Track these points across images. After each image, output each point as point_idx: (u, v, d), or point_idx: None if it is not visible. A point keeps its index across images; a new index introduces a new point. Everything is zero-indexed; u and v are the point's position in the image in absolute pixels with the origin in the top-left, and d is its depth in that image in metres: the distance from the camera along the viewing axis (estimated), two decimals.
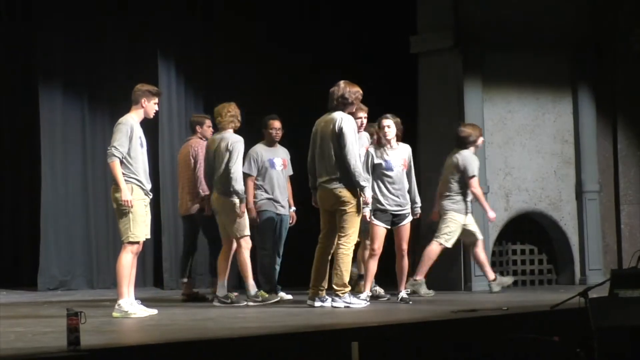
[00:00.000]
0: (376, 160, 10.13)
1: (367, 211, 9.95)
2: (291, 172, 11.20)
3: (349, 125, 9.53)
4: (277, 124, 11.20)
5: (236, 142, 10.26)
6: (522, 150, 12.19)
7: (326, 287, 9.71)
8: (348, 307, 9.49)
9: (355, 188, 9.48)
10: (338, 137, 9.52)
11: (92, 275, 13.29)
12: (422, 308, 9.62)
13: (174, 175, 13.18)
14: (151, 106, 9.39)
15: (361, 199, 9.49)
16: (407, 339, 7.67)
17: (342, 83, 9.72)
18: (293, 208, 11.20)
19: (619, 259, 12.40)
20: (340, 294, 9.56)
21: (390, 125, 10.16)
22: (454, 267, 11.76)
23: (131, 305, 9.13)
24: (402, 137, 10.30)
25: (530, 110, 12.25)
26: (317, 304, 9.61)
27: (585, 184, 12.36)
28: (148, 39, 13.49)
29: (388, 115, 10.26)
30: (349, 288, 9.68)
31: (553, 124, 12.38)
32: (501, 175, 12.07)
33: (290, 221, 11.23)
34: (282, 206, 11.04)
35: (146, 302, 10.58)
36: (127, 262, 9.23)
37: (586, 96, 12.45)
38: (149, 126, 13.24)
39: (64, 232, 13.19)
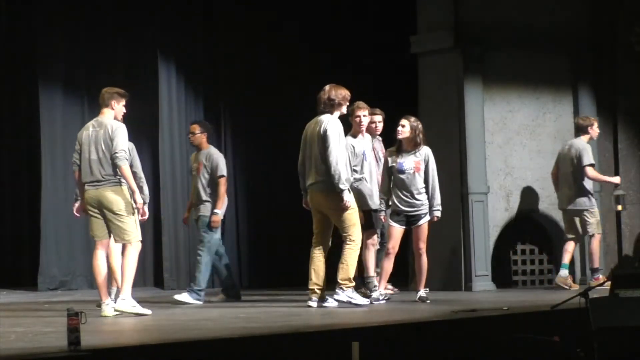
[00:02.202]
0: (390, 163, 10.15)
1: (381, 214, 10.21)
2: (220, 174, 10.80)
3: (333, 127, 9.57)
4: (192, 128, 11.11)
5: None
6: (523, 150, 12.19)
7: (324, 287, 9.71)
8: (350, 301, 9.53)
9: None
10: (323, 139, 9.55)
11: (92, 275, 13.26)
12: (422, 308, 9.63)
13: (174, 175, 13.20)
14: (120, 108, 9.42)
15: (344, 202, 9.50)
16: (407, 339, 7.67)
17: (327, 87, 9.78)
18: (216, 211, 10.79)
19: (619, 259, 12.39)
20: (345, 287, 9.60)
21: (404, 125, 10.16)
22: (454, 267, 11.76)
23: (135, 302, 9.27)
24: (421, 141, 10.19)
25: (531, 110, 12.25)
26: (317, 304, 9.62)
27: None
28: (148, 39, 13.50)
29: (411, 117, 10.24)
30: (354, 283, 9.73)
31: (553, 123, 12.39)
32: (502, 175, 12.07)
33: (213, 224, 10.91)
34: (195, 209, 10.96)
35: (146, 302, 10.60)
36: (136, 260, 9.36)
37: (586, 96, 12.46)
38: (149, 126, 13.30)
39: (64, 232, 13.19)
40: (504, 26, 12.00)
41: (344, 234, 9.61)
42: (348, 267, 9.59)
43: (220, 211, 10.79)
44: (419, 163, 10.09)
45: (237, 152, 13.55)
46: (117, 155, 9.11)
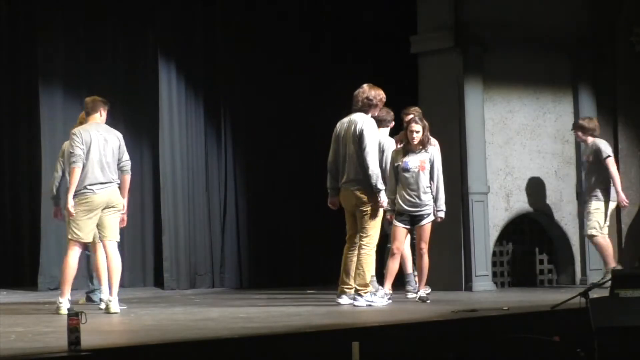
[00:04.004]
0: (396, 162, 10.17)
1: (387, 213, 10.09)
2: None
3: (370, 127, 9.65)
4: None
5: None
6: (523, 150, 12.19)
7: (354, 286, 9.74)
8: (370, 305, 9.58)
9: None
10: (359, 139, 9.59)
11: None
12: (422, 308, 9.63)
13: (174, 175, 13.19)
14: (105, 116, 9.94)
15: (381, 201, 9.59)
16: (407, 339, 7.68)
17: (365, 86, 9.82)
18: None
19: (619, 259, 12.40)
20: (362, 293, 9.65)
21: (418, 130, 10.14)
22: (454, 267, 11.76)
23: None
24: (428, 141, 10.19)
25: (531, 110, 12.25)
26: (344, 301, 9.68)
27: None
28: (148, 38, 13.49)
29: (419, 119, 10.23)
30: (371, 287, 9.76)
31: (554, 123, 12.39)
32: (502, 175, 12.07)
33: None
34: None
35: (146, 302, 10.62)
36: None
37: (586, 96, 12.46)
38: (149, 126, 13.30)
39: (64, 232, 13.12)
40: (504, 26, 12.00)
41: (363, 235, 9.65)
42: (364, 273, 9.66)
43: None
44: (424, 162, 10.09)
45: (237, 152, 13.54)
46: (128, 163, 9.77)
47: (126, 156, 9.74)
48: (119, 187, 9.72)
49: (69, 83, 13.26)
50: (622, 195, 11.64)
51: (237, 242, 13.44)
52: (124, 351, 6.58)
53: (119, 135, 9.81)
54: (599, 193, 11.65)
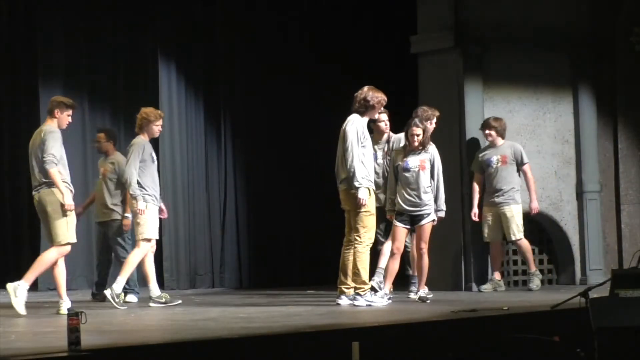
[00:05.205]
0: (396, 162, 10.18)
1: (388, 213, 10.18)
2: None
3: (352, 125, 9.64)
4: (98, 136, 11.49)
5: (131, 145, 10.41)
6: (523, 150, 12.18)
7: (352, 286, 9.75)
8: (370, 305, 9.59)
9: (366, 188, 9.57)
10: (343, 139, 9.64)
11: (92, 275, 13.29)
12: (422, 308, 9.63)
13: (175, 176, 13.20)
14: (64, 117, 9.72)
15: (369, 198, 9.57)
16: (407, 339, 7.68)
17: (366, 87, 9.86)
18: (126, 215, 11.22)
19: (619, 259, 12.40)
20: (362, 292, 9.66)
21: (419, 134, 10.16)
22: (454, 267, 11.76)
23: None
24: (428, 141, 10.23)
25: (531, 110, 12.25)
26: (344, 302, 9.69)
27: (585, 184, 12.36)
28: (148, 38, 13.50)
29: (417, 121, 10.25)
30: (369, 286, 9.77)
31: (553, 124, 12.38)
32: None
33: None
34: (101, 214, 11.50)
35: (146, 301, 10.59)
36: (54, 260, 10.01)
37: (586, 96, 12.45)
38: None
39: None
40: (504, 26, 12.00)
41: (354, 234, 9.68)
42: (360, 271, 9.69)
43: (130, 215, 11.00)
44: (424, 161, 10.12)
45: (237, 152, 13.55)
46: (44, 159, 9.48)
47: (45, 150, 9.43)
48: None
49: (69, 83, 13.27)
50: (536, 203, 11.72)
51: (237, 242, 13.44)
52: (124, 351, 6.58)
53: (46, 130, 9.56)
54: (516, 196, 11.65)
